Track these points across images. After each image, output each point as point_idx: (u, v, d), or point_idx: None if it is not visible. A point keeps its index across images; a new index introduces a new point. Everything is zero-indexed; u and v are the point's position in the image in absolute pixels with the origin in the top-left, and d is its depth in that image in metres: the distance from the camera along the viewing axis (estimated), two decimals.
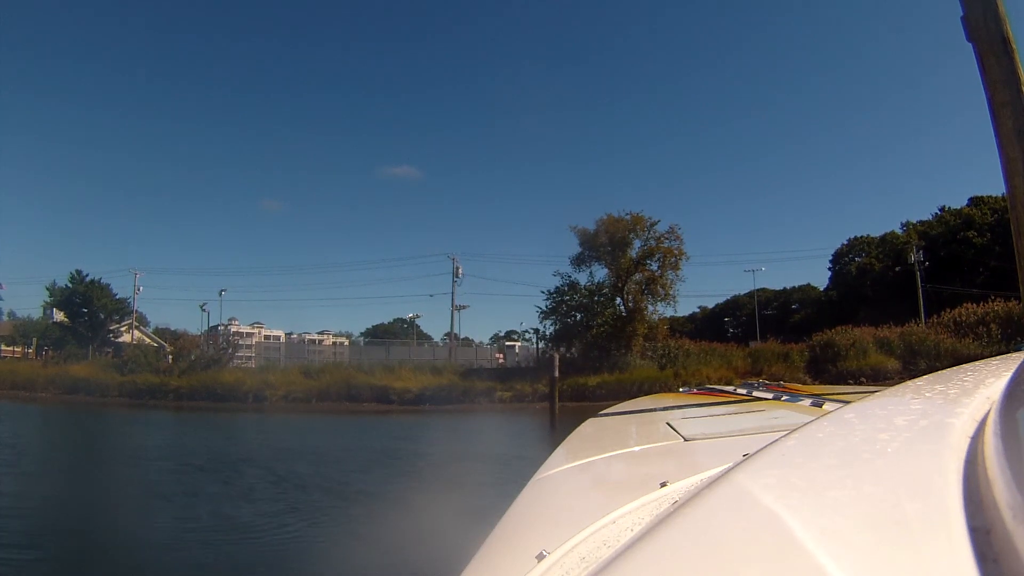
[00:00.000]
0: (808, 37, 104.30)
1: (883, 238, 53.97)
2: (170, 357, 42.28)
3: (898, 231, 53.29)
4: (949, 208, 51.30)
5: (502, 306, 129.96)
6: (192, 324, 75.98)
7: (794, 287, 66.74)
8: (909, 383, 1.10)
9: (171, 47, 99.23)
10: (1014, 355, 1.22)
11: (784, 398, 3.01)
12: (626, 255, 38.46)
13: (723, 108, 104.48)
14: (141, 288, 53.57)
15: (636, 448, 2.25)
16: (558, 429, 18.04)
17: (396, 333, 70.84)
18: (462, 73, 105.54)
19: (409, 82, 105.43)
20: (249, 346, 51.19)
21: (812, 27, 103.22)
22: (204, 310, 54.84)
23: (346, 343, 60.69)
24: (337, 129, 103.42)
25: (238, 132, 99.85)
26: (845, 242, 57.95)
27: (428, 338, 68.61)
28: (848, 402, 1.16)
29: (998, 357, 1.31)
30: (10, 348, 52.82)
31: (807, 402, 2.73)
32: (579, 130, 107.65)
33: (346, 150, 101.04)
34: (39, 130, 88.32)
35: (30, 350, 51.90)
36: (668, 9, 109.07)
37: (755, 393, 3.47)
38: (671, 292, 37.96)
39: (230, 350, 44.18)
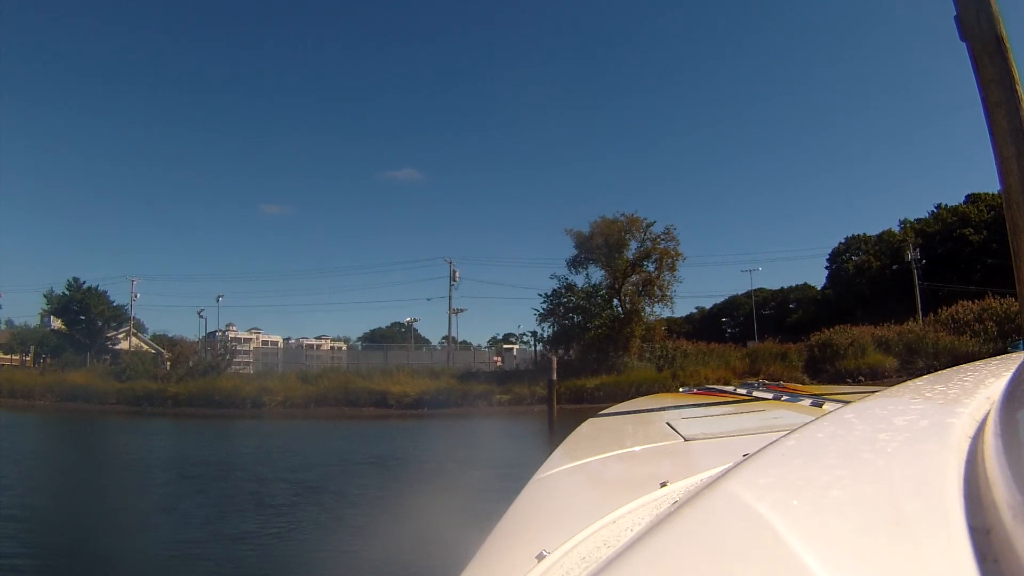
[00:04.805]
0: (804, 37, 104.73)
1: (880, 236, 54.04)
2: (168, 364, 42.20)
3: (895, 229, 53.42)
4: (946, 206, 51.43)
5: (500, 309, 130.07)
6: (189, 330, 75.64)
7: (791, 286, 66.89)
8: (909, 383, 1.10)
9: (169, 52, 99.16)
10: (1014, 355, 1.23)
11: (784, 398, 3.01)
12: (622, 257, 38.50)
13: (719, 108, 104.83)
14: (138, 295, 53.68)
15: (636, 448, 2.26)
16: (556, 432, 18.02)
17: (394, 337, 70.65)
18: (462, 76, 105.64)
19: (410, 85, 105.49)
20: (247, 352, 51.05)
21: (808, 27, 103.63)
22: (201, 316, 54.85)
23: (344, 348, 60.59)
24: (337, 132, 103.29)
25: (237, 137, 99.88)
26: (842, 241, 58.15)
27: (426, 342, 68.37)
28: (848, 402, 1.16)
29: (998, 357, 1.31)
30: (8, 356, 52.59)
31: (807, 402, 2.74)
32: (577, 132, 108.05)
33: (346, 154, 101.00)
34: (36, 136, 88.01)
35: (27, 358, 51.74)
36: (664, 10, 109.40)
37: (755, 393, 3.47)
38: (668, 293, 38.09)
39: (228, 356, 44.07)
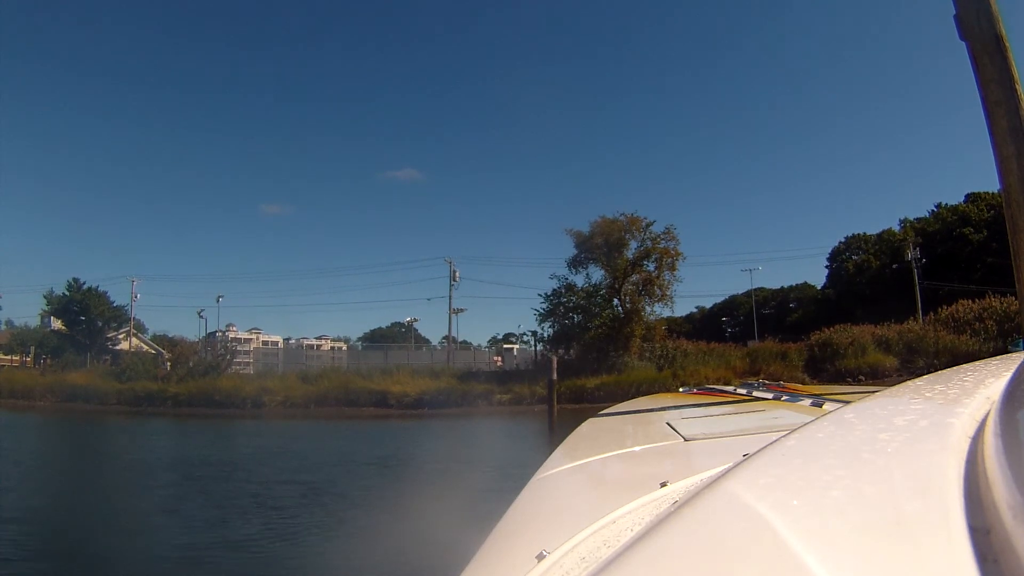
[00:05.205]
0: (804, 36, 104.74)
1: (880, 236, 54.07)
2: (168, 364, 42.20)
3: (895, 228, 53.45)
4: (946, 205, 51.49)
5: (500, 309, 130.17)
6: (190, 330, 75.46)
7: (791, 286, 66.91)
8: (909, 383, 1.10)
9: (169, 52, 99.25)
10: (1014, 355, 1.22)
11: (784, 398, 3.01)
12: (622, 256, 38.50)
13: (719, 108, 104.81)
14: (138, 295, 53.71)
15: (636, 448, 2.25)
16: (556, 432, 18.01)
17: (394, 337, 70.63)
18: (462, 76, 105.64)
19: (410, 85, 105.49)
20: (247, 352, 51.03)
21: (808, 26, 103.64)
22: (201, 316, 54.88)
23: (344, 348, 60.56)
24: (337, 132, 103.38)
25: (237, 137, 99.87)
26: (842, 240, 58.26)
27: (426, 342, 68.30)
28: (848, 402, 1.16)
29: (998, 357, 1.31)
30: (8, 357, 52.60)
31: (807, 402, 2.73)
32: (577, 132, 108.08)
33: (346, 154, 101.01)
34: (37, 136, 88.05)
35: (28, 358, 51.75)
36: (664, 11, 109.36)
37: (755, 393, 3.47)
38: (668, 293, 38.12)
39: (228, 356, 44.06)
